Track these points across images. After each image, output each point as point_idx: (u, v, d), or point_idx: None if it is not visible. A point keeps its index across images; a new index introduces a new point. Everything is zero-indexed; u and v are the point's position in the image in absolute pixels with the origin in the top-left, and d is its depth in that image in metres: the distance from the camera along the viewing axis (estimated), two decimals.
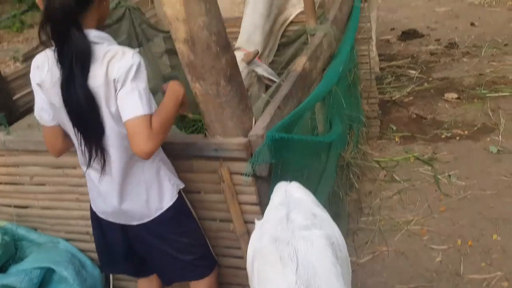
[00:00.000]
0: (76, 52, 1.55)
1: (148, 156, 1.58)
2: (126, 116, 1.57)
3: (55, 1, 1.51)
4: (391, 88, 4.59)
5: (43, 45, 1.64)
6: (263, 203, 1.94)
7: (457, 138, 3.71)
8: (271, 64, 3.49)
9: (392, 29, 6.15)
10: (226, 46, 1.72)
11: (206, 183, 2.05)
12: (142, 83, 1.58)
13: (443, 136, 3.76)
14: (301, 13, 3.57)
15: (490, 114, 3.90)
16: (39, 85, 1.71)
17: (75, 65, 1.56)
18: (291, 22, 3.70)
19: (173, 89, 1.73)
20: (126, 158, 1.73)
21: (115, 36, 3.64)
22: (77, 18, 1.56)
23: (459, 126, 3.85)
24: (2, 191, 2.53)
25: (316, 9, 2.93)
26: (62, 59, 1.58)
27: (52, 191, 2.42)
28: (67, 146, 1.85)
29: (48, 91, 1.67)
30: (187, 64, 1.73)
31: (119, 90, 1.57)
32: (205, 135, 1.98)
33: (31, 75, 1.73)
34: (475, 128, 3.77)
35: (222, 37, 1.70)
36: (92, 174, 1.80)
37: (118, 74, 1.56)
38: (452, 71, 4.77)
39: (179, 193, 1.90)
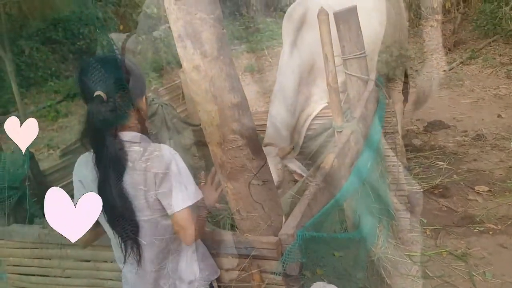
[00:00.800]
0: (110, 156, 1.66)
1: (195, 238, 1.75)
2: (175, 208, 1.70)
3: (95, 116, 1.65)
4: (419, 179, 4.55)
5: (85, 148, 1.76)
6: None
7: (490, 232, 3.60)
8: (298, 155, 3.57)
9: (418, 119, 6.21)
10: (257, 148, 1.80)
11: (235, 281, 2.03)
12: (185, 174, 1.72)
13: (475, 230, 3.66)
14: (325, 108, 3.70)
15: None
16: (80, 181, 1.80)
17: (109, 167, 1.66)
18: (315, 116, 3.83)
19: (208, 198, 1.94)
20: (160, 248, 1.79)
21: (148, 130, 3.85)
22: (114, 128, 1.69)
23: (492, 220, 3.75)
24: (34, 283, 2.57)
25: (342, 104, 3.02)
26: (99, 163, 1.69)
27: (82, 283, 2.45)
28: (94, 238, 1.93)
29: (89, 186, 1.75)
30: (220, 165, 1.80)
31: (162, 184, 1.69)
32: (235, 232, 2.01)
33: (74, 171, 1.83)
34: (509, 223, 3.66)
35: (253, 141, 1.78)
36: (127, 269, 1.85)
37: (160, 169, 1.67)
38: (482, 163, 4.74)
39: (211, 285, 1.92)
